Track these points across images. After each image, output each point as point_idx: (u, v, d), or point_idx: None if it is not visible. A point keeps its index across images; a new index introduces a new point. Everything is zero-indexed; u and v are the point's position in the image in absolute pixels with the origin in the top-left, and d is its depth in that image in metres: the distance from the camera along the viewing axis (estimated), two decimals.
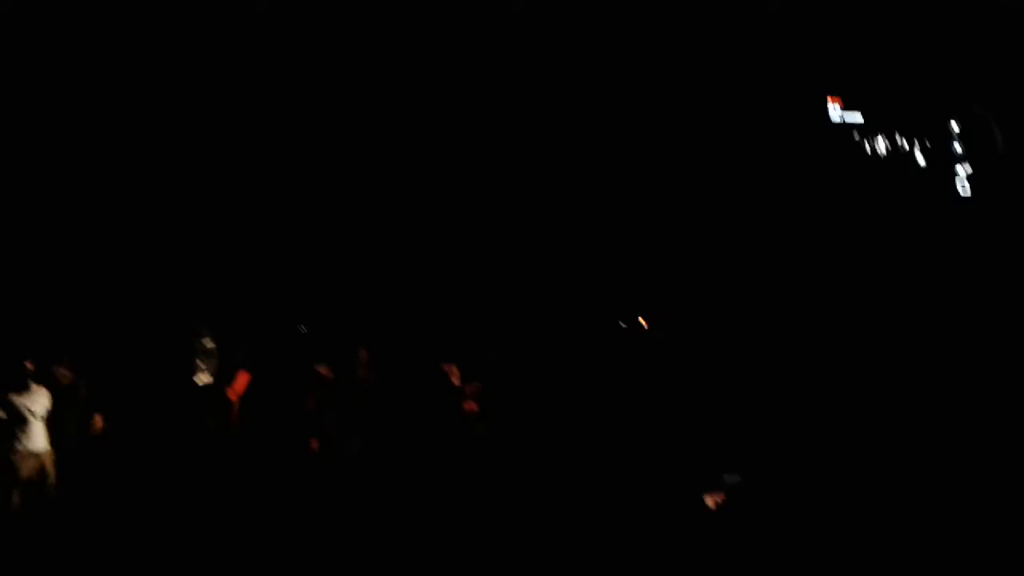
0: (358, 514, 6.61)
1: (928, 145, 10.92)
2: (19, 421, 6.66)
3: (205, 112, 10.63)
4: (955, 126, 11.10)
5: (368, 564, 5.82)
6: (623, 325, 10.07)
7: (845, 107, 11.20)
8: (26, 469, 6.57)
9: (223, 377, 8.59)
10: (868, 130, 11.11)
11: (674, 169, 11.06)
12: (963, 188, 10.75)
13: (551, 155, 11.28)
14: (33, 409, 6.75)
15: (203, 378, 8.65)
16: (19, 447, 6.59)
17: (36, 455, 6.67)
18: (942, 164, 11.00)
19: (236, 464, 7.52)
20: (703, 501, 4.85)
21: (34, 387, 6.89)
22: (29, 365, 6.99)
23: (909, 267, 10.14)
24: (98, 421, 7.40)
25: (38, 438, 6.71)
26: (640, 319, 10.04)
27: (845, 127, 11.18)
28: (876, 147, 11.03)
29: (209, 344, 8.83)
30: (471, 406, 7.97)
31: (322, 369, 8.15)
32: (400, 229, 11.20)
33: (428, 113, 11.27)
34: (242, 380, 8.54)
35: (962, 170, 10.79)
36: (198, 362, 8.79)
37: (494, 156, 11.26)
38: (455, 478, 6.99)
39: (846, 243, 10.53)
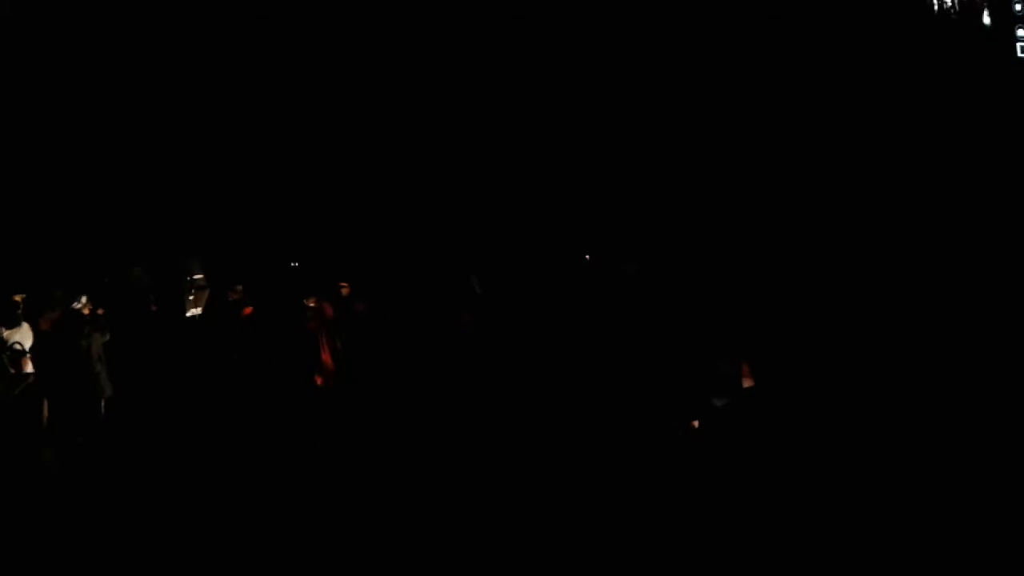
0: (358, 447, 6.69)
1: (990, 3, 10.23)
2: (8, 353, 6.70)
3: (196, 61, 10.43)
4: None
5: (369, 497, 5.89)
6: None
7: None
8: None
9: (216, 310, 8.58)
10: None
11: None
12: (1021, 50, 10.21)
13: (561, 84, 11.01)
14: (21, 342, 6.78)
15: (194, 311, 8.65)
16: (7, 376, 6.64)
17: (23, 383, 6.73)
18: (1002, 24, 10.42)
19: (238, 395, 7.56)
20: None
21: (23, 324, 6.91)
22: (17, 298, 7.00)
23: (963, 132, 9.75)
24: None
25: (25, 367, 6.76)
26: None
27: None
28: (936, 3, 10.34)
29: (199, 278, 8.82)
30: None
31: (311, 301, 8.11)
32: (388, 168, 11.10)
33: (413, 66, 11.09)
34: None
35: (1022, 32, 10.22)
36: (190, 296, 8.81)
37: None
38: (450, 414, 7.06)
39: (898, 106, 10.05)
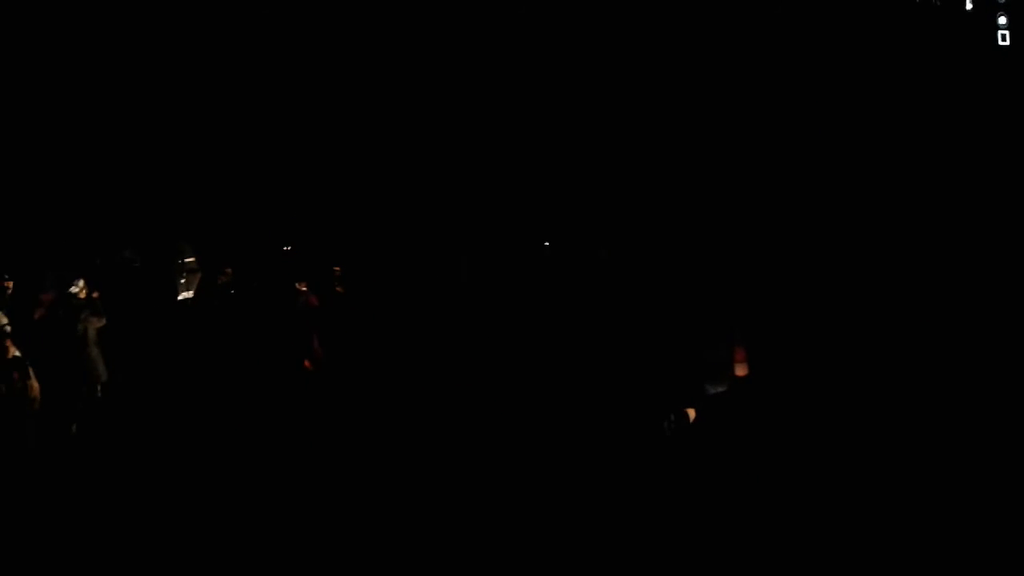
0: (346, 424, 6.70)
1: None
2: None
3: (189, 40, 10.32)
4: None
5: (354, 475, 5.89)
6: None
7: None
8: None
9: (207, 294, 8.53)
10: None
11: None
12: (1002, 38, 10.07)
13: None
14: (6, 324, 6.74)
15: (186, 295, 8.60)
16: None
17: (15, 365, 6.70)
18: (984, 11, 10.28)
19: (226, 377, 7.53)
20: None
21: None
22: (8, 284, 6.96)
23: (946, 117, 9.75)
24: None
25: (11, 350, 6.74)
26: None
27: None
28: None
29: (191, 261, 8.76)
30: None
31: (302, 286, 8.09)
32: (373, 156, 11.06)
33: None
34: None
35: (1004, 19, 10.04)
36: (182, 280, 8.75)
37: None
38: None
39: (882, 91, 9.98)
